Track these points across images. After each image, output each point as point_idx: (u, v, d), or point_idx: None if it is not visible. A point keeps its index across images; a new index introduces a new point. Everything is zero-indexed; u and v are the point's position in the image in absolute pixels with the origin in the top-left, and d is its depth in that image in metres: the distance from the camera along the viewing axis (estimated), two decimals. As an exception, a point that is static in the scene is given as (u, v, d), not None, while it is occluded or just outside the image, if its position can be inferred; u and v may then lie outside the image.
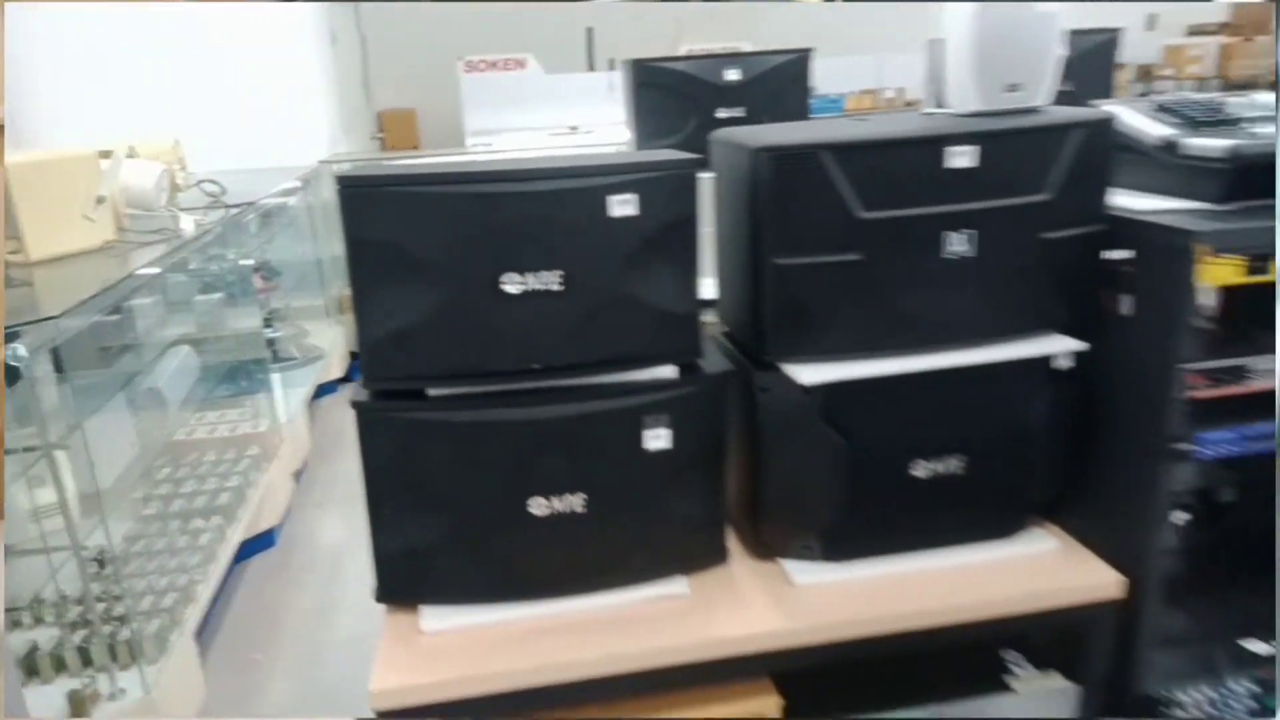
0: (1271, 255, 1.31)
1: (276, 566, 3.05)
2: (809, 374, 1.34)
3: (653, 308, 1.30)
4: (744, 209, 1.36)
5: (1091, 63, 2.77)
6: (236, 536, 2.82)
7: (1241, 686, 1.54)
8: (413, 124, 6.99)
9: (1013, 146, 1.33)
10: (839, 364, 1.35)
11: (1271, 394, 1.39)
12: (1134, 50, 8.01)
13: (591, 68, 7.30)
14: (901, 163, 1.30)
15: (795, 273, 1.32)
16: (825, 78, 2.55)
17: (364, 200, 1.23)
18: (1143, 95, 7.40)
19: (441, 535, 1.34)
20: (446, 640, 1.34)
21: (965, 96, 1.41)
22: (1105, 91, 2.81)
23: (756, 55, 2.73)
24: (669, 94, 2.66)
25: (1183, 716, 1.52)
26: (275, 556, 3.10)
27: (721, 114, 2.62)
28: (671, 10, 8.15)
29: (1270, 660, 1.55)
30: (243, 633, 2.67)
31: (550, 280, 1.26)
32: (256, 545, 3.06)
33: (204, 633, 2.57)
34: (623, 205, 1.26)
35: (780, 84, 2.69)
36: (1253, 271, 1.32)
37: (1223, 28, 9.31)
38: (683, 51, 7.33)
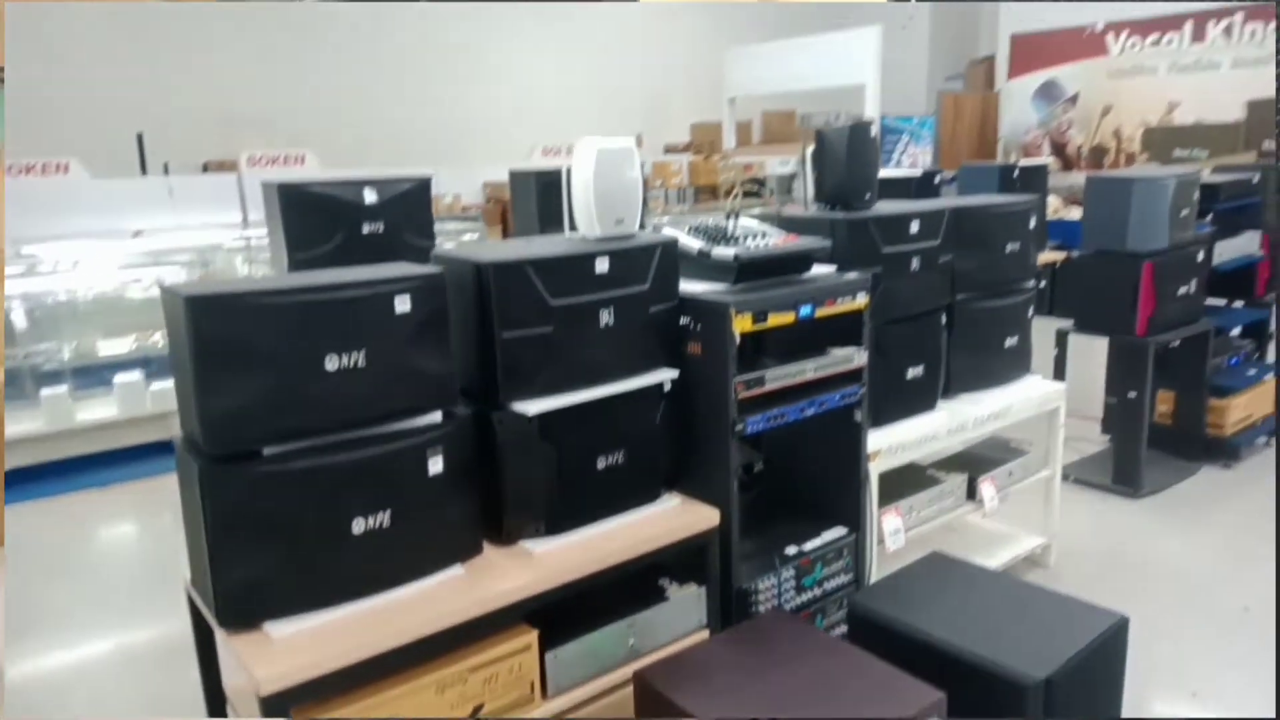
0: (765, 313, 2.34)
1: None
2: (530, 408, 2.03)
3: (424, 373, 1.89)
4: (474, 302, 2.01)
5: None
6: None
7: (788, 572, 2.54)
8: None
9: (627, 258, 2.19)
10: (546, 399, 2.06)
11: (778, 392, 2.41)
12: (632, 165, 10.00)
13: (144, 172, 7.08)
14: (571, 269, 2.08)
15: (514, 342, 2.01)
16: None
17: (214, 311, 1.64)
18: (733, 195, 9.23)
19: (281, 562, 1.74)
20: (295, 642, 1.74)
21: (593, 226, 2.24)
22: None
23: (388, 181, 3.29)
24: (315, 213, 3.08)
25: (762, 597, 2.46)
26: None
27: (366, 229, 3.15)
28: (226, 116, 8.23)
29: (800, 555, 2.57)
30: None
31: (358, 358, 1.78)
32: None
33: None
34: (402, 303, 1.84)
35: (409, 204, 3.29)
36: (756, 321, 2.33)
37: (687, 146, 12.01)
38: (244, 158, 7.52)
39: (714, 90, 10.80)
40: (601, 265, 2.13)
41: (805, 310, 2.44)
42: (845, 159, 2.76)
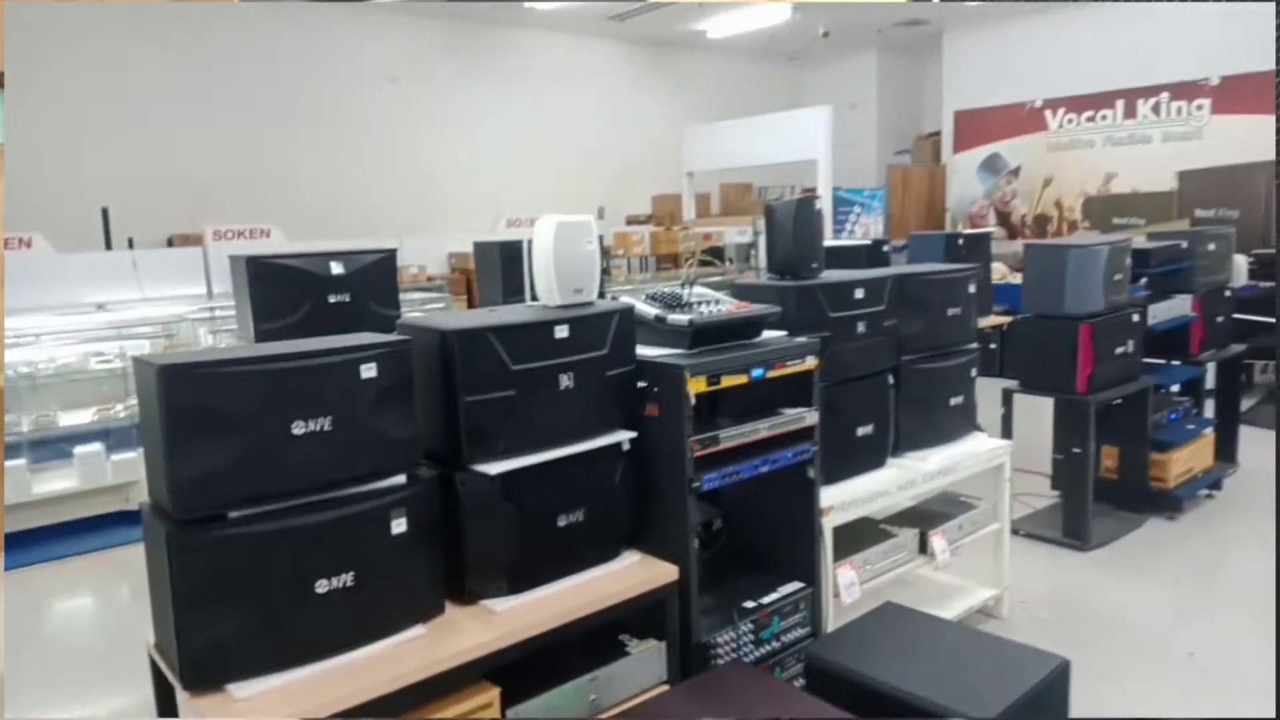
0: (719, 375, 2.45)
1: None
2: (492, 468, 2.10)
3: (389, 437, 1.96)
4: (439, 368, 2.10)
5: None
6: None
7: (746, 626, 2.60)
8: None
9: (587, 325, 2.30)
10: (509, 460, 2.14)
11: (734, 450, 2.51)
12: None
13: (109, 246, 7.13)
14: (532, 336, 2.18)
15: (476, 405, 2.10)
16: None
17: (186, 379, 1.71)
18: (605, 271, 9.48)
19: (245, 624, 1.78)
20: (258, 702, 1.77)
21: (553, 295, 2.36)
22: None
23: (354, 253, 3.38)
24: (283, 284, 3.16)
25: (721, 650, 2.52)
26: None
27: (332, 299, 3.24)
28: (191, 189, 8.33)
29: (759, 608, 2.63)
30: None
31: (324, 423, 1.85)
32: None
33: None
34: (368, 370, 1.92)
35: (375, 275, 3.39)
36: (710, 383, 2.44)
37: (649, 218, 12.31)
38: (210, 232, 7.60)
39: (674, 164, 11.15)
40: (561, 332, 2.24)
41: (757, 373, 2.56)
42: (792, 231, 2.93)
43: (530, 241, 2.38)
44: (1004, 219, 10.66)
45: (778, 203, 2.95)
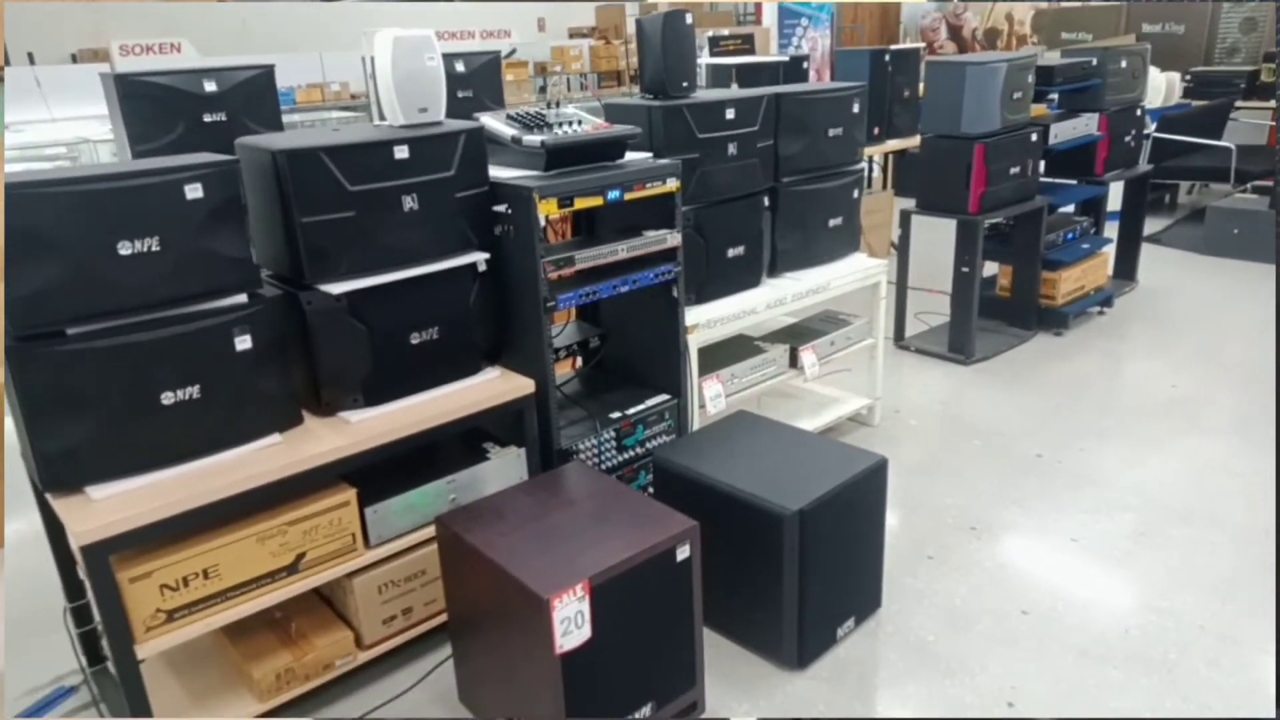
0: (572, 198, 2.51)
1: None
2: (336, 288, 2.19)
3: (221, 256, 2.03)
4: (273, 189, 2.14)
5: (484, 74, 3.93)
6: None
7: (608, 434, 2.80)
8: None
9: (429, 146, 2.32)
10: (354, 280, 2.23)
11: (596, 269, 2.61)
12: (531, 50, 9.86)
13: (7, 62, 6.76)
14: (369, 156, 2.21)
15: (314, 226, 2.15)
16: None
17: (9, 204, 1.75)
18: (541, 89, 9.21)
19: (95, 431, 1.91)
20: (114, 501, 1.93)
21: (395, 115, 2.36)
22: (498, 95, 4.01)
23: (229, 69, 3.29)
24: (155, 104, 3.09)
25: (585, 456, 2.73)
26: None
27: (207, 119, 3.18)
28: (91, 8, 7.81)
29: (622, 418, 2.83)
30: None
31: (151, 243, 1.91)
32: None
33: None
34: (193, 190, 1.96)
35: (251, 93, 3.31)
36: (562, 205, 2.50)
37: (591, 31, 11.79)
38: (116, 47, 7.23)
39: (616, -29, 10.54)
40: (401, 152, 2.26)
41: (613, 194, 2.61)
42: (661, 48, 2.89)
43: (371, 59, 2.35)
44: (955, 33, 10.35)
45: (646, 18, 2.89)
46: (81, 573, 2.30)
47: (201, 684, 2.33)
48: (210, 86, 3.16)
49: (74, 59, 7.59)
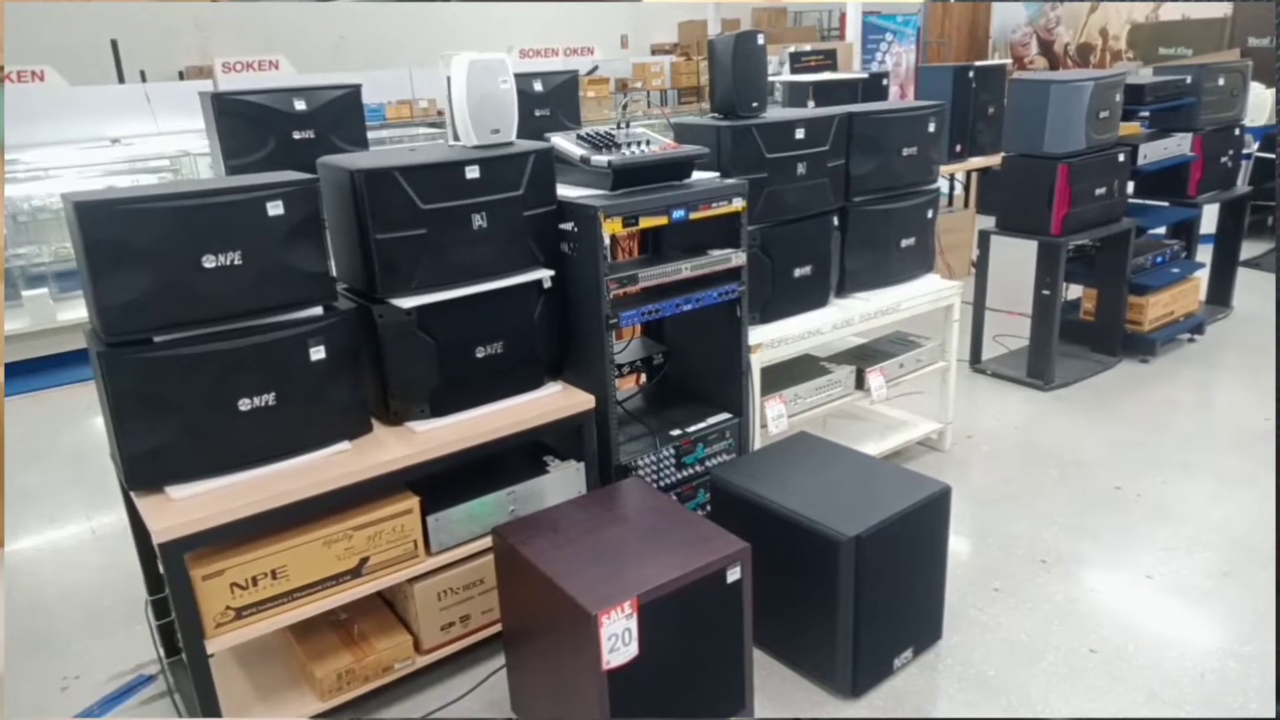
0: (636, 217, 2.54)
1: None
2: (406, 303, 2.27)
3: (300, 270, 2.12)
4: (351, 207, 2.23)
5: (561, 93, 4.01)
6: None
7: (668, 451, 2.81)
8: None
9: (500, 166, 2.39)
10: (423, 295, 2.30)
11: (661, 288, 2.64)
12: (613, 67, 9.98)
13: (121, 79, 7.20)
14: (442, 176, 2.28)
15: (388, 243, 2.24)
16: (365, 90, 3.22)
17: (98, 214, 1.87)
18: (623, 107, 9.31)
19: (176, 434, 2.02)
20: (191, 501, 2.04)
21: (469, 135, 2.43)
22: (574, 114, 4.08)
23: (318, 89, 3.44)
24: (248, 121, 3.26)
25: (644, 472, 2.75)
26: None
27: (296, 136, 3.33)
28: (195, 21, 8.26)
29: (683, 436, 2.84)
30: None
31: (234, 257, 2.02)
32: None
33: None
34: (274, 207, 2.06)
35: (339, 111, 3.46)
36: (626, 225, 2.53)
37: (674, 47, 11.87)
38: (219, 65, 7.60)
39: (700, -12, 10.61)
40: (472, 172, 2.33)
41: (678, 214, 2.64)
42: (731, 68, 2.91)
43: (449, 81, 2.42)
44: (1046, 48, 10.06)
45: (718, 38, 2.91)
46: (160, 568, 2.43)
47: (267, 679, 2.43)
48: (300, 105, 3.31)
49: (181, 76, 8.02)
